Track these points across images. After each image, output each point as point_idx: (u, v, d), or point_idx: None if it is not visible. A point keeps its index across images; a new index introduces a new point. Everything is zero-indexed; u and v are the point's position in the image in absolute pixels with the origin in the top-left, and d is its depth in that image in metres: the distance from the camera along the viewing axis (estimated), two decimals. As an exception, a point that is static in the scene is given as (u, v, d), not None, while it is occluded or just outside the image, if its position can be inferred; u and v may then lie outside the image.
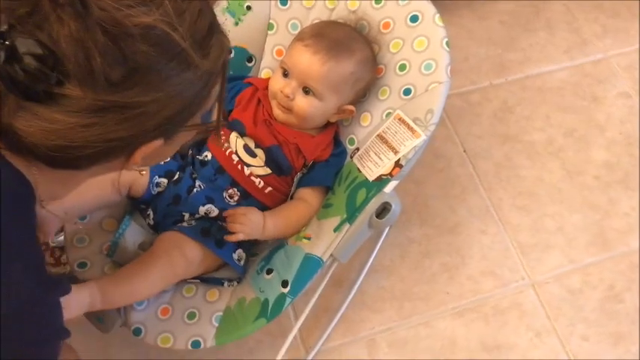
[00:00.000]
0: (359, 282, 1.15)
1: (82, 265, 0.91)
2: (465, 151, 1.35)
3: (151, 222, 0.94)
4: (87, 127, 0.50)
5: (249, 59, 1.05)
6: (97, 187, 0.85)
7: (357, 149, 0.97)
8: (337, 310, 1.13)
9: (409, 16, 0.95)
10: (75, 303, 0.77)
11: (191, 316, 0.89)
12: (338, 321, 1.12)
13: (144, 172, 0.64)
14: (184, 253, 0.87)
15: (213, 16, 0.57)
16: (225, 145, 0.96)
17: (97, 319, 0.88)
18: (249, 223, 0.88)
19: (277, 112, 0.96)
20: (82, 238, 0.92)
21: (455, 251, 1.23)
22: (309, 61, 0.90)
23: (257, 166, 0.95)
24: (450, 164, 1.33)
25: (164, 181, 0.93)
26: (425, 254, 1.22)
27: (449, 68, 0.92)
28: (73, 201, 0.81)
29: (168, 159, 0.94)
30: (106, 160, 0.56)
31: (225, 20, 1.00)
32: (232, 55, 1.02)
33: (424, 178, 1.29)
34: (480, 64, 1.47)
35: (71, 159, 0.53)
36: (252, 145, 0.96)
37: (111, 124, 0.51)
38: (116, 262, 0.91)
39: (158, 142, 0.57)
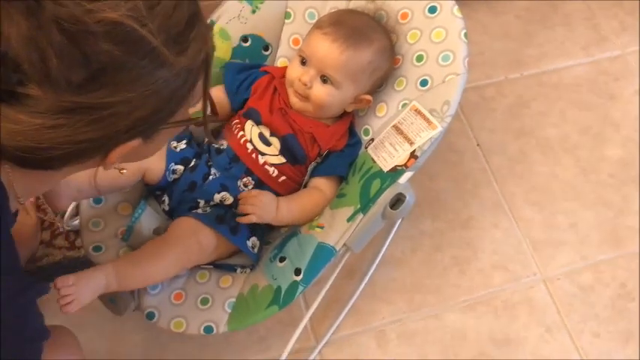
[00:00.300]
0: (370, 273, 1.16)
1: (97, 248, 0.92)
2: (478, 145, 1.34)
3: (166, 208, 0.95)
4: (53, 128, 0.47)
5: (266, 48, 1.05)
6: (111, 171, 0.86)
7: (372, 140, 0.97)
8: (348, 301, 1.13)
9: (428, 7, 0.95)
10: (92, 284, 0.78)
11: (204, 301, 0.90)
12: (348, 311, 1.13)
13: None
14: (199, 239, 0.87)
15: (195, 6, 0.53)
16: (240, 133, 0.97)
17: (110, 300, 0.89)
18: (261, 205, 0.88)
19: (294, 100, 0.96)
20: (97, 222, 0.93)
21: (466, 245, 1.23)
22: (327, 49, 0.90)
23: (271, 155, 0.96)
24: (464, 158, 1.33)
25: (180, 168, 0.94)
26: (436, 247, 1.22)
27: (466, 60, 0.91)
28: (86, 180, 0.82)
29: (184, 146, 0.95)
30: (79, 161, 0.53)
31: (242, 8, 1.00)
32: (249, 43, 1.03)
33: (437, 171, 1.29)
34: (496, 58, 1.47)
35: (41, 160, 0.50)
36: (267, 133, 0.96)
37: (79, 125, 0.48)
38: (131, 246, 0.92)
39: (135, 143, 0.54)
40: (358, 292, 1.14)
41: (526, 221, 1.26)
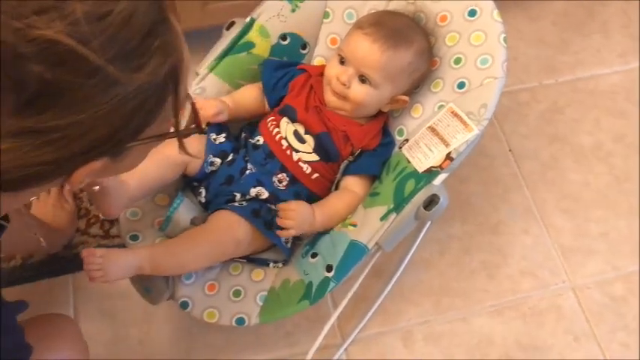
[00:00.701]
0: (398, 274, 1.16)
1: (134, 237, 0.94)
2: (510, 150, 1.34)
3: (203, 200, 0.97)
4: (4, 152, 0.43)
5: (304, 46, 1.06)
6: (158, 170, 0.88)
7: (406, 140, 0.97)
8: (375, 300, 1.14)
9: (467, 10, 0.95)
10: (122, 262, 0.80)
11: (236, 293, 0.92)
12: (375, 311, 1.13)
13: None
14: (235, 233, 0.89)
15: (159, 13, 0.47)
16: (276, 130, 0.98)
17: (146, 289, 0.91)
18: (299, 218, 0.89)
19: (331, 98, 0.97)
20: (135, 212, 0.95)
21: (496, 250, 1.22)
22: (367, 50, 0.91)
23: (305, 152, 0.97)
24: (495, 163, 1.32)
25: (217, 160, 0.96)
26: (465, 251, 1.22)
27: (505, 64, 0.91)
28: (136, 185, 0.84)
29: (223, 139, 0.97)
30: (39, 184, 0.49)
31: (282, 7, 1.02)
32: (288, 41, 1.04)
33: (468, 175, 1.29)
34: (530, 63, 1.46)
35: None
36: (302, 131, 0.98)
37: (29, 149, 0.44)
38: (168, 236, 0.94)
39: (100, 163, 0.49)
40: (386, 292, 1.14)
41: (556, 228, 1.25)
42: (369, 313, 1.13)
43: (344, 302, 1.00)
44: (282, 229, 0.90)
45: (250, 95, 1.02)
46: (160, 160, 0.90)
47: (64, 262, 1.15)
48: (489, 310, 1.16)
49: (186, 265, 0.88)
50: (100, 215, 1.12)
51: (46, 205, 1.14)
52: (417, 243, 1.19)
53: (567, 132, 1.37)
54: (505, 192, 1.29)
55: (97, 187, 0.75)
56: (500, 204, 1.27)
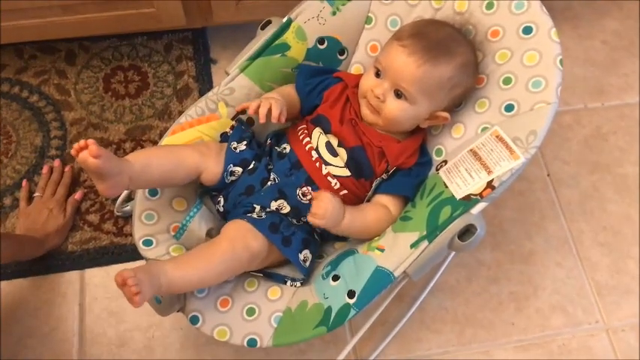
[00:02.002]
0: (421, 299, 1.10)
1: (148, 242, 0.89)
2: (549, 175, 1.26)
3: (221, 209, 0.91)
4: None
5: (342, 52, 1.00)
6: (166, 165, 0.83)
7: (445, 162, 0.91)
8: (394, 325, 1.08)
9: (522, 27, 0.88)
10: (153, 281, 0.74)
11: (250, 312, 0.86)
12: (394, 336, 1.07)
13: None
14: (249, 246, 0.83)
15: None
16: (306, 139, 0.92)
17: (156, 298, 0.86)
18: (332, 211, 0.83)
19: (366, 112, 0.91)
20: (150, 215, 0.90)
21: (526, 281, 1.15)
22: (403, 63, 0.84)
23: (336, 166, 0.91)
24: (532, 188, 1.25)
25: (239, 170, 0.90)
26: (493, 280, 1.15)
27: (559, 89, 0.84)
28: (139, 168, 0.79)
29: (244, 147, 0.91)
30: None
31: (323, 8, 0.95)
32: (325, 45, 0.98)
33: (502, 199, 1.22)
34: (575, 84, 1.38)
35: None
36: (335, 143, 0.92)
37: None
38: (182, 244, 0.89)
39: None
40: (406, 318, 1.08)
41: (592, 263, 1.18)
42: (388, 339, 1.07)
43: (362, 330, 0.94)
44: (314, 247, 0.85)
45: (292, 94, 0.96)
46: (174, 157, 0.86)
47: (72, 257, 1.11)
48: (515, 345, 1.09)
49: (199, 283, 0.82)
50: (101, 194, 1.05)
51: (44, 205, 1.10)
52: (444, 268, 1.13)
53: (610, 161, 1.29)
54: (540, 219, 1.21)
55: (98, 161, 0.73)
56: (534, 232, 1.20)
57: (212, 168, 0.88)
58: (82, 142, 0.73)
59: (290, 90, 0.96)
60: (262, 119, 0.86)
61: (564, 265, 1.17)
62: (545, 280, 1.16)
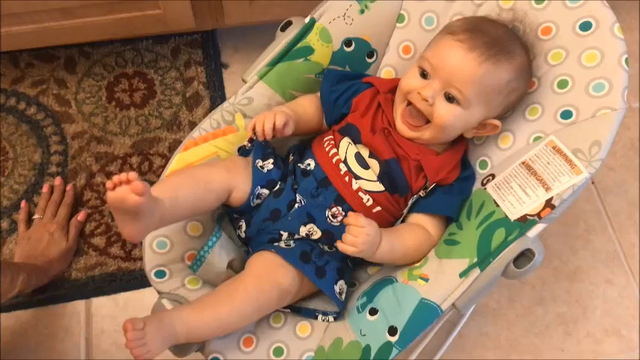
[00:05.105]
0: (460, 325, 1.00)
1: (160, 274, 0.79)
2: (593, 182, 1.16)
3: (242, 235, 0.81)
4: None
5: (370, 54, 0.90)
6: (195, 194, 0.73)
7: (492, 176, 0.80)
8: (433, 354, 0.98)
9: (579, 23, 0.78)
10: (165, 333, 0.67)
11: (278, 352, 0.76)
12: (433, 366, 0.97)
13: None
14: (279, 283, 0.73)
15: None
16: (333, 150, 0.82)
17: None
18: (366, 240, 0.72)
19: (402, 127, 0.81)
20: (162, 243, 0.80)
21: (574, 301, 1.05)
22: (461, 60, 0.74)
23: (368, 180, 0.80)
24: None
25: (265, 192, 0.80)
26: (538, 301, 1.05)
27: (626, 92, 0.74)
28: (169, 205, 0.69)
29: (271, 166, 0.81)
30: None
31: (350, 6, 0.85)
32: (352, 47, 0.87)
33: (544, 210, 1.11)
34: (616, 82, 1.27)
35: None
36: (365, 154, 0.81)
37: None
38: (200, 276, 0.79)
39: None
40: (446, 346, 0.98)
41: (646, 279, 1.08)
42: (426, 370, 0.97)
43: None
44: (349, 277, 0.75)
45: (310, 106, 0.86)
46: (201, 182, 0.75)
47: (77, 285, 1.01)
48: (565, 374, 0.99)
49: (222, 328, 0.73)
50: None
51: (44, 229, 1.00)
52: (485, 289, 1.02)
53: (660, 165, 1.18)
54: (586, 232, 1.11)
55: (141, 199, 0.61)
56: (580, 246, 1.10)
57: (241, 186, 0.78)
58: (122, 175, 0.61)
59: (306, 102, 0.86)
60: (260, 136, 0.76)
61: (616, 283, 1.07)
62: (594, 299, 1.05)
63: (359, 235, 0.72)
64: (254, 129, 0.76)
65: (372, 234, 0.73)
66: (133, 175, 0.61)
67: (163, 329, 0.65)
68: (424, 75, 0.77)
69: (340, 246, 0.73)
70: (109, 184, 0.61)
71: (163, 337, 0.65)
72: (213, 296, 0.72)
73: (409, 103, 0.79)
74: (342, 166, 0.81)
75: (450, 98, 0.76)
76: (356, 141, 0.82)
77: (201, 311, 0.69)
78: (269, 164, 0.80)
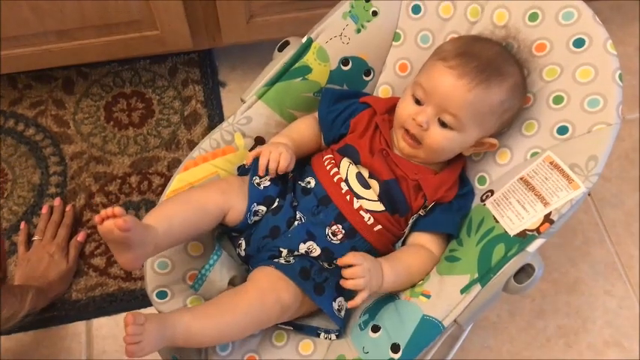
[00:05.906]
0: (462, 338, 1.00)
1: (162, 294, 0.79)
2: (590, 195, 1.17)
3: (242, 253, 0.82)
4: None
5: (367, 72, 0.91)
6: (191, 218, 0.73)
7: (491, 192, 0.81)
8: (435, 369, 0.98)
9: (573, 40, 0.79)
10: (162, 332, 0.66)
11: (281, 371, 0.76)
12: (435, 382, 0.97)
13: None
14: (280, 297, 0.73)
15: None
16: (334, 170, 0.82)
17: (173, 358, 0.77)
18: (368, 276, 0.72)
19: (402, 145, 0.81)
20: (163, 263, 0.80)
21: (574, 313, 1.06)
22: (452, 87, 0.75)
23: (369, 200, 0.81)
24: (572, 209, 1.15)
25: (262, 209, 0.80)
26: (538, 313, 1.05)
27: (620, 107, 0.75)
28: (164, 232, 0.69)
29: (268, 183, 0.81)
30: None
31: (346, 26, 0.86)
32: (350, 66, 0.88)
33: (542, 222, 1.12)
34: (610, 94, 1.28)
35: None
36: (366, 174, 0.82)
37: None
38: (202, 295, 0.79)
39: None
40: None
41: (645, 290, 1.08)
42: (428, 385, 0.97)
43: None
44: (349, 294, 0.75)
45: (307, 129, 0.87)
46: (195, 206, 0.76)
47: (77, 306, 1.01)
48: (568, 386, 1.00)
49: (223, 336, 0.73)
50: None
51: (44, 250, 1.00)
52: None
53: (655, 176, 1.19)
54: (584, 244, 1.12)
55: (122, 232, 0.62)
56: (578, 258, 1.10)
57: (237, 206, 0.78)
58: (108, 210, 0.63)
59: (302, 125, 0.87)
60: (262, 171, 0.78)
61: (615, 294, 1.07)
62: (594, 311, 1.06)
63: (360, 273, 0.72)
64: (256, 157, 0.78)
65: (370, 266, 0.74)
66: (118, 210, 0.63)
67: (163, 329, 0.66)
68: (418, 102, 0.78)
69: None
70: (97, 218, 0.64)
71: (161, 337, 0.65)
72: (216, 305, 0.72)
73: (407, 130, 0.80)
74: (343, 185, 0.81)
75: (443, 124, 0.77)
76: (355, 162, 0.83)
77: (203, 318, 0.69)
78: (266, 181, 0.81)
